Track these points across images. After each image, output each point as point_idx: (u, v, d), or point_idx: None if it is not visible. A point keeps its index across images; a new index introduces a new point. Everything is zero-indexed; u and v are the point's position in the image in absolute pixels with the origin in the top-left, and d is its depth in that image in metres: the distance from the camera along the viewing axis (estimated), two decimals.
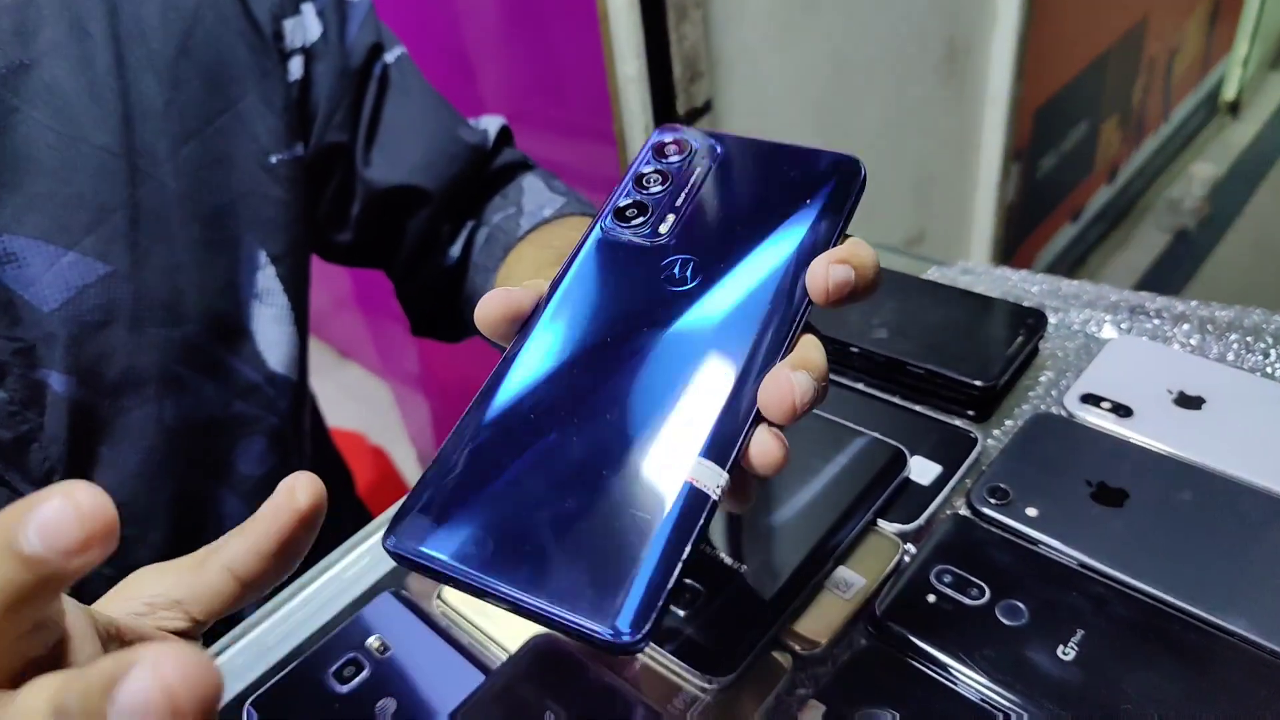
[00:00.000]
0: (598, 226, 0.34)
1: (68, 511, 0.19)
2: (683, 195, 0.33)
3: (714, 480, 0.27)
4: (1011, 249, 1.86)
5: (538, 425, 0.29)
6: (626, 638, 0.24)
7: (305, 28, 0.59)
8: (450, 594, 0.47)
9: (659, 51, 0.91)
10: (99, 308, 0.50)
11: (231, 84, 0.55)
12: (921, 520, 0.47)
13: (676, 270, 0.31)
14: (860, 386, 0.57)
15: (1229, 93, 2.85)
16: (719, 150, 0.34)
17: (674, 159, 0.34)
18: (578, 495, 0.27)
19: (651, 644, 0.42)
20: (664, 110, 0.95)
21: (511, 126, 0.69)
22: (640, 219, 0.33)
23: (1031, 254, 1.99)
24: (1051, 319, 0.59)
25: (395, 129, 0.63)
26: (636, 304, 0.31)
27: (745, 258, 0.31)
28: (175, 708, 0.18)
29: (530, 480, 0.28)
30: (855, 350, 0.56)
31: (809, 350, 0.29)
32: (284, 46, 0.58)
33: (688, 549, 0.26)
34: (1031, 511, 0.46)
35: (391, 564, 0.42)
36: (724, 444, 0.28)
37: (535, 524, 0.27)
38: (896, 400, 0.55)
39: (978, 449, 0.51)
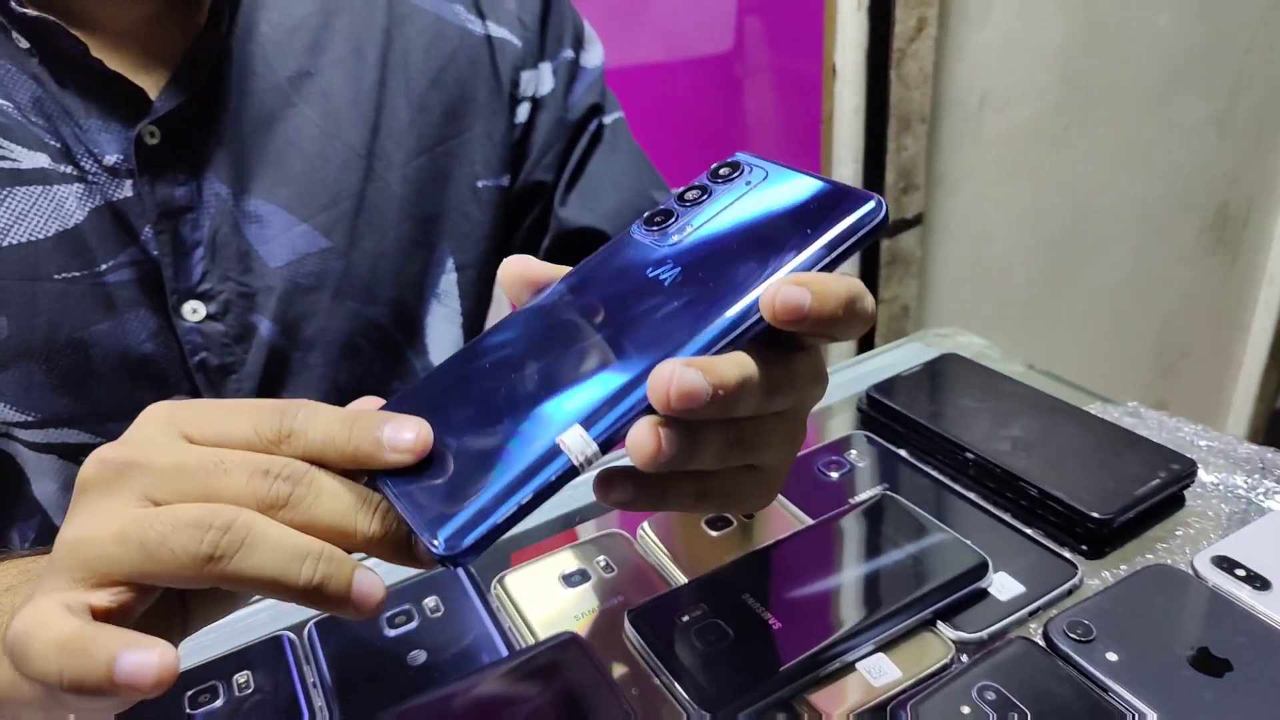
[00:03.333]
0: (632, 226, 0.36)
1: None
2: (709, 211, 0.35)
3: (582, 449, 0.29)
4: None
5: (483, 373, 0.33)
6: (440, 549, 0.28)
7: (539, 81, 0.67)
8: (508, 581, 0.50)
9: (876, 158, 0.93)
10: (312, 274, 0.58)
11: (465, 116, 0.64)
12: (984, 634, 0.44)
13: (663, 271, 0.33)
14: (972, 496, 0.54)
15: None
16: (765, 177, 0.35)
17: (721, 179, 0.36)
18: (476, 431, 0.31)
19: (662, 666, 0.42)
20: None
21: None
22: (662, 226, 0.35)
23: None
24: (1211, 476, 0.54)
25: (596, 179, 0.70)
26: (614, 292, 0.34)
27: (721, 268, 0.32)
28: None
29: (455, 410, 0.32)
30: (970, 457, 0.54)
31: (724, 359, 0.29)
32: (517, 93, 0.66)
33: (527, 495, 0.29)
34: (1112, 656, 0.42)
35: None
36: (604, 419, 0.30)
37: (440, 447, 0.31)
38: (1006, 518, 0.52)
39: (1073, 581, 0.47)
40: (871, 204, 0.32)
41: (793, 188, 0.34)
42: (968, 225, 1.04)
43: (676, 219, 0.35)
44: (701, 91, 1.07)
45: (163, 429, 0.29)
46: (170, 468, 0.28)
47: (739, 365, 0.29)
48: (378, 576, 0.29)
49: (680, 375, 0.28)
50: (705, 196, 0.35)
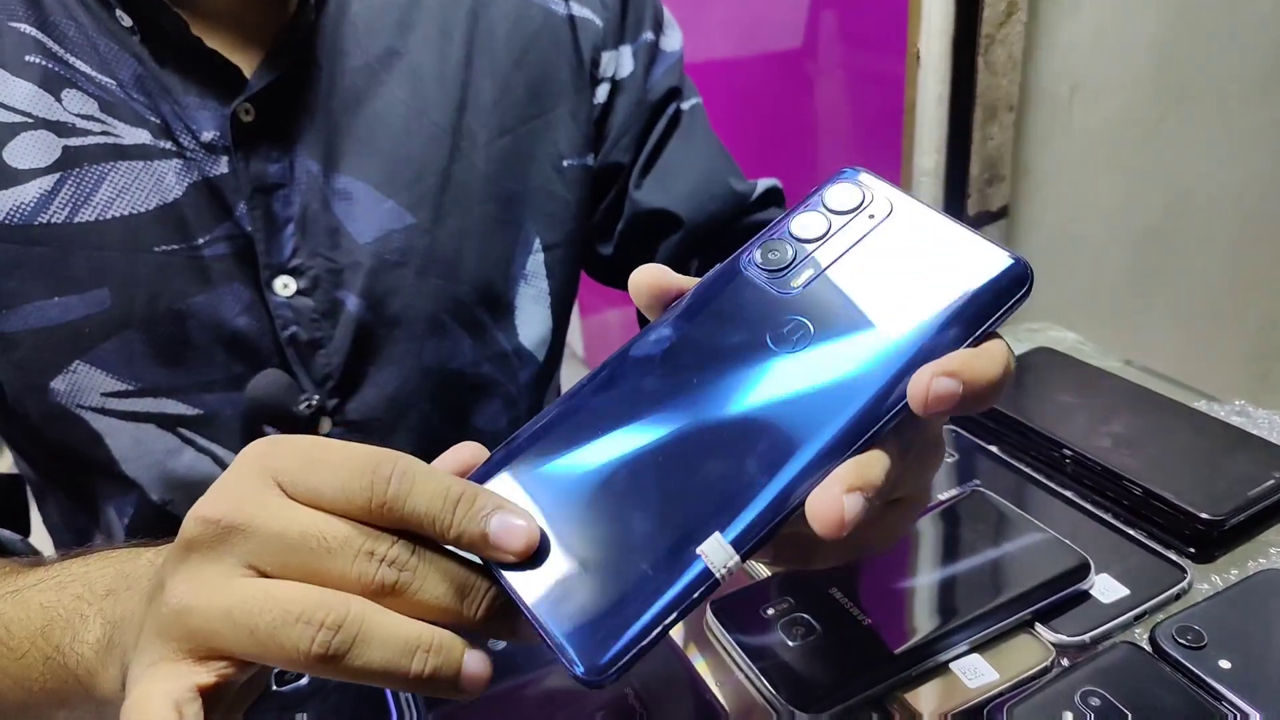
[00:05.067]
0: (742, 257, 0.33)
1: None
2: (832, 253, 0.31)
3: (724, 561, 0.27)
4: None
5: (602, 448, 0.30)
6: (586, 677, 0.26)
7: (619, 63, 0.67)
8: None
9: (960, 148, 0.91)
10: (398, 250, 0.59)
11: (548, 96, 0.64)
12: (1086, 638, 0.42)
13: (788, 331, 0.30)
14: (1069, 494, 0.52)
15: None
16: (891, 211, 0.32)
17: (843, 209, 0.32)
18: (605, 528, 0.28)
19: (747, 659, 0.41)
20: (954, 209, 0.94)
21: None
22: (781, 266, 0.32)
23: None
24: None
25: (671, 163, 0.69)
26: (737, 354, 0.30)
27: (858, 343, 0.29)
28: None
29: (573, 500, 0.29)
30: (1068, 453, 0.52)
31: (872, 466, 0.27)
32: (597, 74, 0.66)
33: (673, 616, 0.26)
34: (1225, 664, 0.40)
35: None
36: (749, 531, 0.27)
37: (562, 542, 0.28)
38: (1106, 517, 0.50)
39: (1181, 585, 0.44)
40: (1017, 270, 0.29)
41: (923, 233, 0.31)
42: (1055, 219, 1.01)
43: (795, 259, 0.32)
44: (781, 80, 1.06)
45: (258, 478, 0.28)
46: (272, 538, 0.27)
47: (884, 465, 0.28)
48: (485, 656, 0.28)
49: (850, 504, 0.26)
50: (824, 231, 0.32)
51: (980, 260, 0.29)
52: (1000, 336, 0.29)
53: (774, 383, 0.29)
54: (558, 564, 0.28)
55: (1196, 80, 1.04)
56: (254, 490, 0.28)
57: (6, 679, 0.36)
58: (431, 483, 0.28)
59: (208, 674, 0.26)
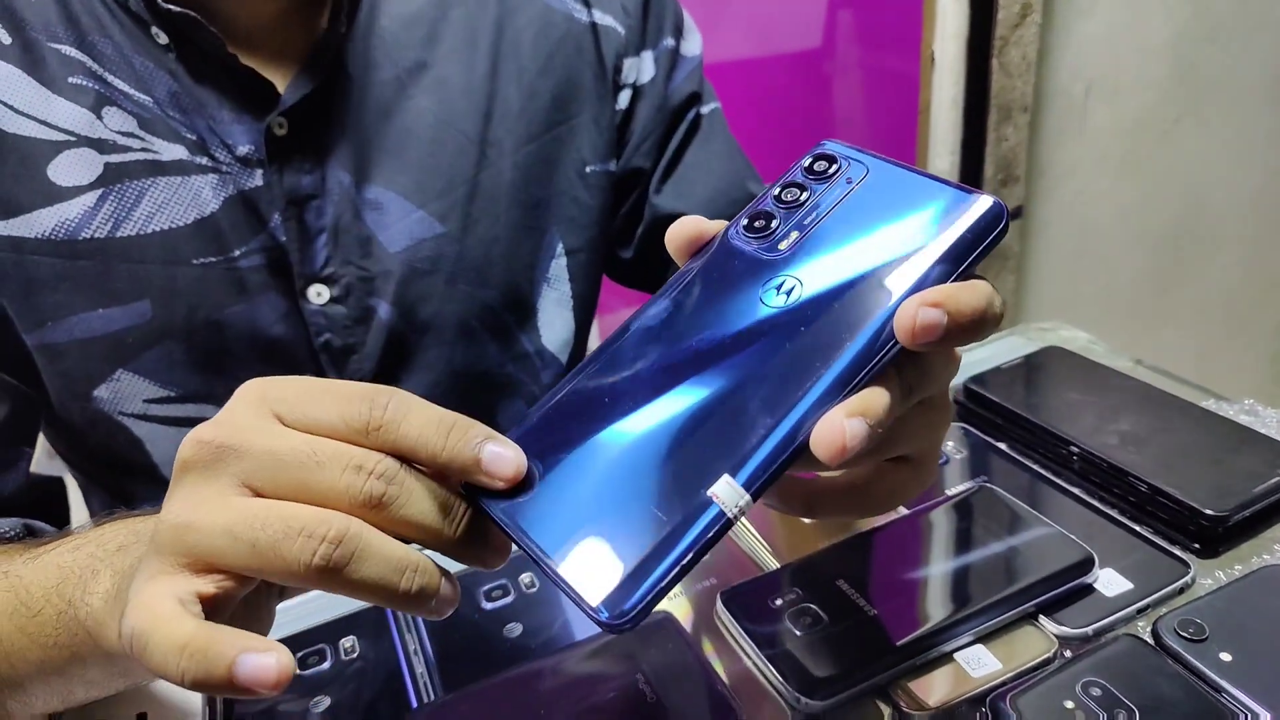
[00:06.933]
0: (730, 230, 0.34)
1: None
2: (814, 215, 0.33)
3: (735, 500, 0.28)
4: None
5: (610, 408, 0.31)
6: (611, 621, 0.27)
7: (641, 69, 0.68)
8: None
9: (975, 149, 0.91)
10: (428, 259, 0.60)
11: (572, 103, 0.65)
12: (1089, 630, 0.43)
13: (778, 288, 0.32)
14: (1076, 491, 0.53)
15: None
16: (867, 173, 0.34)
17: (820, 176, 0.34)
18: (617, 480, 0.29)
19: (755, 648, 0.43)
20: None
21: None
22: (765, 232, 0.34)
23: None
24: None
25: (691, 168, 0.70)
26: (732, 314, 0.32)
27: (848, 289, 0.31)
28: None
29: (585, 457, 0.31)
30: (1075, 450, 0.53)
31: (873, 397, 0.29)
32: (619, 80, 0.67)
33: (689, 558, 0.27)
34: (1225, 657, 0.41)
35: None
36: (757, 469, 0.28)
37: (578, 496, 0.30)
38: (1112, 513, 0.50)
39: (1184, 580, 0.45)
40: (990, 205, 0.30)
41: (899, 188, 0.33)
42: (1070, 219, 1.01)
43: (779, 223, 0.34)
44: (796, 83, 1.07)
45: (255, 408, 0.30)
46: (264, 455, 0.28)
47: (885, 398, 0.29)
48: (454, 583, 0.30)
49: (850, 428, 0.27)
50: (806, 197, 0.34)
51: (956, 204, 0.31)
52: (983, 278, 0.31)
53: (771, 334, 0.31)
54: (577, 519, 0.29)
55: (1212, 81, 1.04)
56: (251, 418, 0.29)
57: (24, 638, 0.37)
58: (426, 410, 0.29)
59: (207, 584, 0.28)
